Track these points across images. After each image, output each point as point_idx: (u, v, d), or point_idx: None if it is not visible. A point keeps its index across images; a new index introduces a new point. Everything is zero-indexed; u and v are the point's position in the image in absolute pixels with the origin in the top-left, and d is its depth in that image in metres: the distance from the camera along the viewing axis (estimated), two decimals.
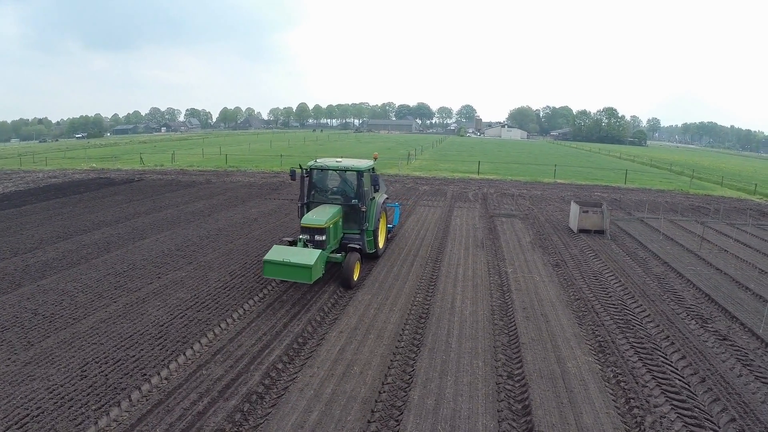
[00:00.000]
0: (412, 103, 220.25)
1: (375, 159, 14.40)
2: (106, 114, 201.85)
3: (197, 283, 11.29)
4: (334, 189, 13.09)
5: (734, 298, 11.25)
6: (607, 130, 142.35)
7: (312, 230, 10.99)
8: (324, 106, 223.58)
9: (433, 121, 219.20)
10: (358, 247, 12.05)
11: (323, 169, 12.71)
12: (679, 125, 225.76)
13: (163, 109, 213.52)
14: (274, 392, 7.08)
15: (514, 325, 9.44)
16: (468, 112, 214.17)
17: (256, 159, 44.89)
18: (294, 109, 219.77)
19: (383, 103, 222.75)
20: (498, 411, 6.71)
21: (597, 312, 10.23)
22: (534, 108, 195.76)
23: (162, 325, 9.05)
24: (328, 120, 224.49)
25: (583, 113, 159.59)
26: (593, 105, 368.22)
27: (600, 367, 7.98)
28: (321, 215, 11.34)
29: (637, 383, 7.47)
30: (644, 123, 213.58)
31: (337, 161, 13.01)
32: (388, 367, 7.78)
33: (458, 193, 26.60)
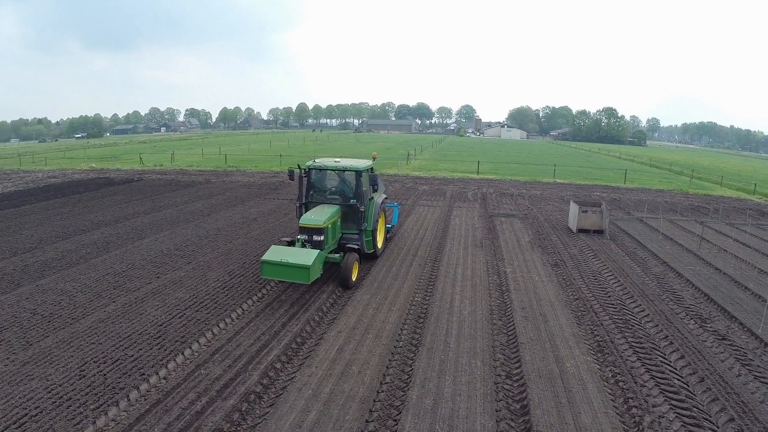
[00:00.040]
0: (411, 103, 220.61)
1: (374, 159, 14.40)
2: (106, 114, 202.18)
3: (196, 283, 11.29)
4: (333, 189, 13.08)
5: (733, 297, 11.25)
6: (606, 130, 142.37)
7: (310, 230, 10.97)
8: (324, 106, 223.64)
9: (433, 121, 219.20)
10: (356, 247, 12.03)
11: (322, 169, 12.71)
12: (679, 125, 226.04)
13: (162, 109, 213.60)
14: (272, 392, 7.08)
15: (513, 324, 9.44)
16: (467, 112, 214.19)
17: (256, 159, 44.90)
18: (293, 109, 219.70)
19: (383, 103, 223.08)
20: (496, 411, 6.71)
21: (596, 312, 10.23)
22: (533, 108, 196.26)
23: (160, 325, 9.05)
24: (328, 120, 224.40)
25: (583, 113, 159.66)
26: (593, 105, 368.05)
27: (599, 366, 7.98)
28: (319, 215, 11.33)
29: (635, 383, 7.46)
30: (644, 123, 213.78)
31: (335, 161, 13.01)
32: (387, 367, 7.78)
33: (457, 193, 26.61)
